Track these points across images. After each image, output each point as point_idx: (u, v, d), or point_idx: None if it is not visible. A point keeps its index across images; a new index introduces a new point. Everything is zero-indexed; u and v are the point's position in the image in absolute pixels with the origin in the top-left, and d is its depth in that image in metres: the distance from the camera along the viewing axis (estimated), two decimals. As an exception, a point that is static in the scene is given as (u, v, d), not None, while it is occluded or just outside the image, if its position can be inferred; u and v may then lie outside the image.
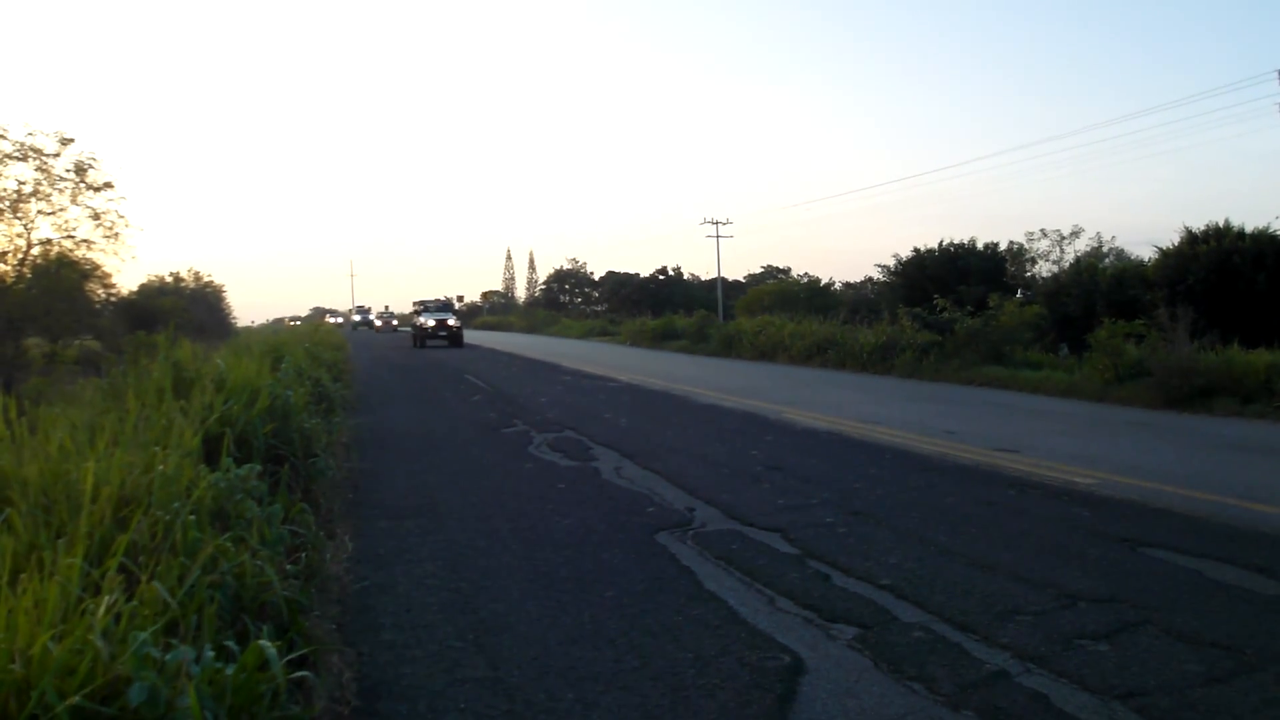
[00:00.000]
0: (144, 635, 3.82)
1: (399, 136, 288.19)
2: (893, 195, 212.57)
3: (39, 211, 32.25)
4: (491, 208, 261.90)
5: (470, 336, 62.52)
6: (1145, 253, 70.72)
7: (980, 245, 49.24)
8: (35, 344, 31.87)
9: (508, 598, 7.10)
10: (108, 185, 33.33)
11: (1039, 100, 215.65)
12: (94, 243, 33.52)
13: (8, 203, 30.49)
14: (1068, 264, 56.77)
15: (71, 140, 32.39)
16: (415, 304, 59.89)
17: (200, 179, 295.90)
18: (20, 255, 31.77)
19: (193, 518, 5.51)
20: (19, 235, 31.45)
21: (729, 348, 40.15)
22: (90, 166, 32.79)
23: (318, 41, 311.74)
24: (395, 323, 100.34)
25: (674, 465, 12.50)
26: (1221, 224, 31.97)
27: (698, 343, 44.75)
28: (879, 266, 55.06)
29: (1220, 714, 4.93)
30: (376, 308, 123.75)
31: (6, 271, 30.44)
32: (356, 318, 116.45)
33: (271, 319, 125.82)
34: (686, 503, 10.25)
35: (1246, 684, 5.32)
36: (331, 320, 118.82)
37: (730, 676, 5.50)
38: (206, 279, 69.54)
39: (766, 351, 36.69)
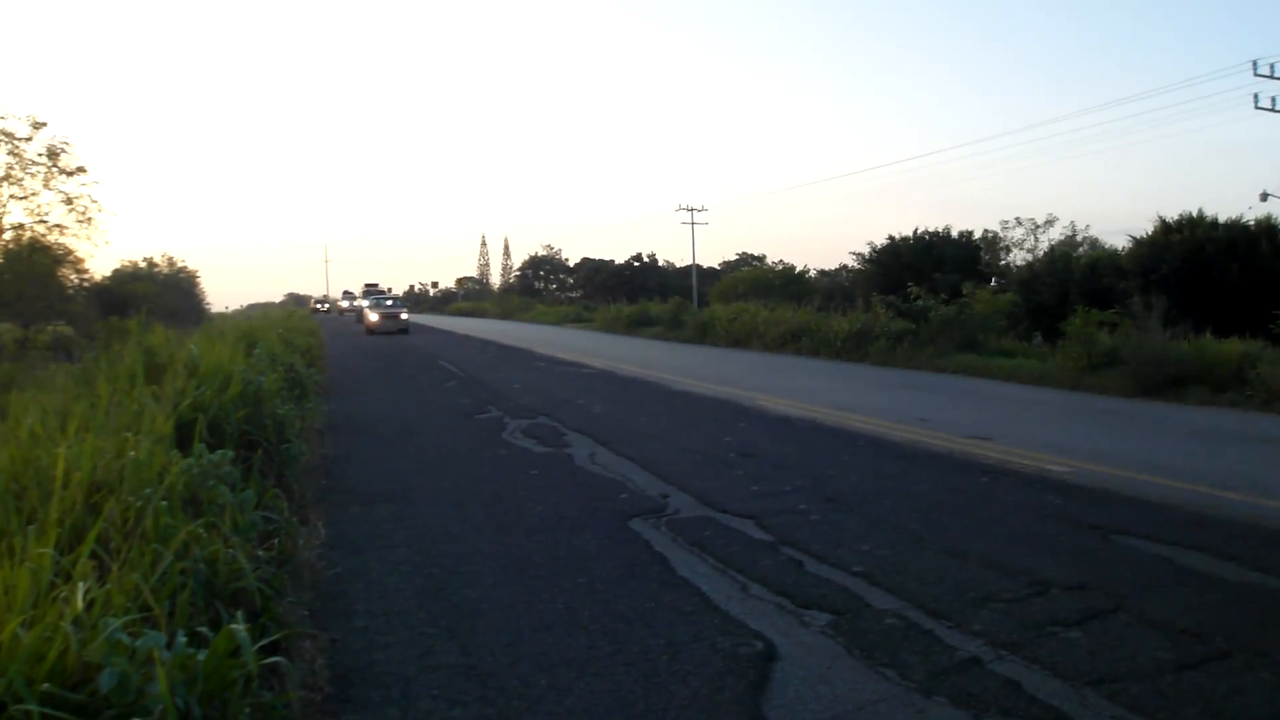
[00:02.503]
0: (116, 622, 3.80)
1: (374, 123, 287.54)
2: (868, 183, 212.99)
3: (11, 196, 32.10)
4: (467, 194, 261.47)
5: (444, 323, 62.27)
6: (1119, 242, 71.24)
7: (955, 233, 49.51)
8: (7, 329, 31.71)
9: (481, 584, 7.09)
10: (81, 170, 33.24)
11: (1014, 90, 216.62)
12: (67, 227, 33.43)
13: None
14: (1042, 252, 57.00)
15: (44, 124, 32.29)
16: None
17: (175, 164, 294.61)
18: (-9, 240, 31.57)
19: (165, 504, 5.48)
20: (-10, 220, 31.27)
21: (703, 334, 40.17)
22: (63, 151, 32.68)
23: (293, 28, 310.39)
24: (405, 315, 54.67)
25: (647, 452, 12.51)
26: (1195, 214, 32.19)
27: (672, 329, 44.74)
28: (854, 254, 55.26)
29: (1191, 701, 4.97)
30: (362, 292, 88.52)
31: (-22, 256, 30.29)
32: (364, 302, 69.99)
33: (247, 304, 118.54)
34: (660, 489, 10.25)
35: (1217, 670, 5.36)
36: (344, 304, 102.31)
37: (703, 663, 5.51)
38: (180, 264, 69.55)
39: (741, 338, 36.70)
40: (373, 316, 53.17)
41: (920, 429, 14.48)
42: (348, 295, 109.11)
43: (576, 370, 26.15)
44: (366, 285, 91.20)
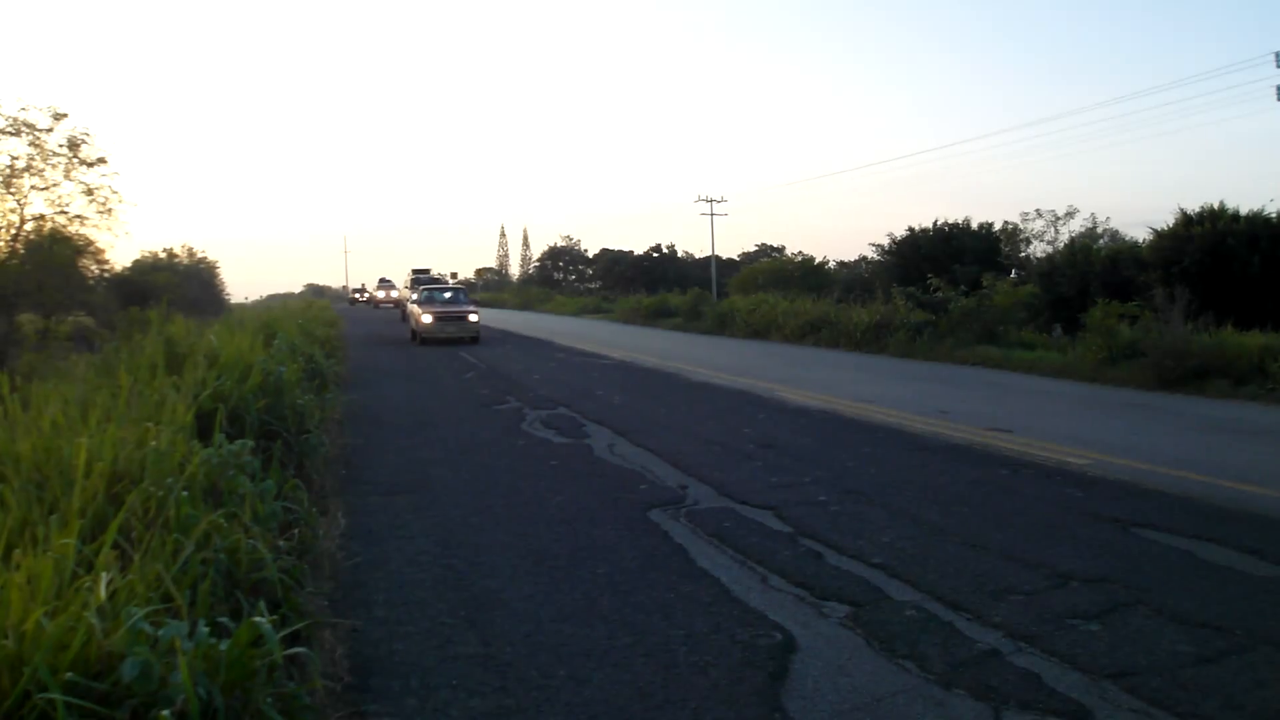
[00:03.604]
0: (138, 612, 3.82)
1: (393, 113, 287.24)
2: (887, 174, 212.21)
3: (32, 187, 32.14)
4: (486, 185, 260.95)
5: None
6: (1140, 234, 70.65)
7: (975, 225, 49.39)
8: (28, 320, 31.78)
9: (500, 574, 7.11)
10: (101, 161, 33.21)
11: (1035, 80, 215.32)
12: (87, 218, 33.42)
13: (1, 178, 30.36)
14: (1062, 244, 56.94)
15: (65, 115, 32.24)
16: None
17: (195, 155, 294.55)
18: (13, 231, 31.69)
19: (186, 494, 5.50)
20: (12, 211, 31.35)
21: (723, 326, 40.13)
22: (84, 142, 32.66)
23: (312, 19, 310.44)
24: (476, 316, 35.00)
25: (667, 443, 12.51)
26: (1216, 206, 32.03)
27: (691, 320, 44.73)
28: (873, 245, 55.15)
29: (1211, 694, 4.95)
30: (409, 281, 57.82)
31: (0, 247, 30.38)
32: (411, 295, 44.66)
33: (266, 295, 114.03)
34: (679, 480, 10.26)
35: (1237, 664, 5.35)
36: (380, 294, 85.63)
37: (722, 654, 5.52)
38: (200, 255, 69.36)
39: (760, 330, 36.67)
40: (425, 317, 33.68)
41: (940, 421, 14.45)
42: (384, 283, 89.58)
43: (595, 361, 26.16)
44: (414, 272, 59.19)
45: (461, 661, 5.48)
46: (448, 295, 37.45)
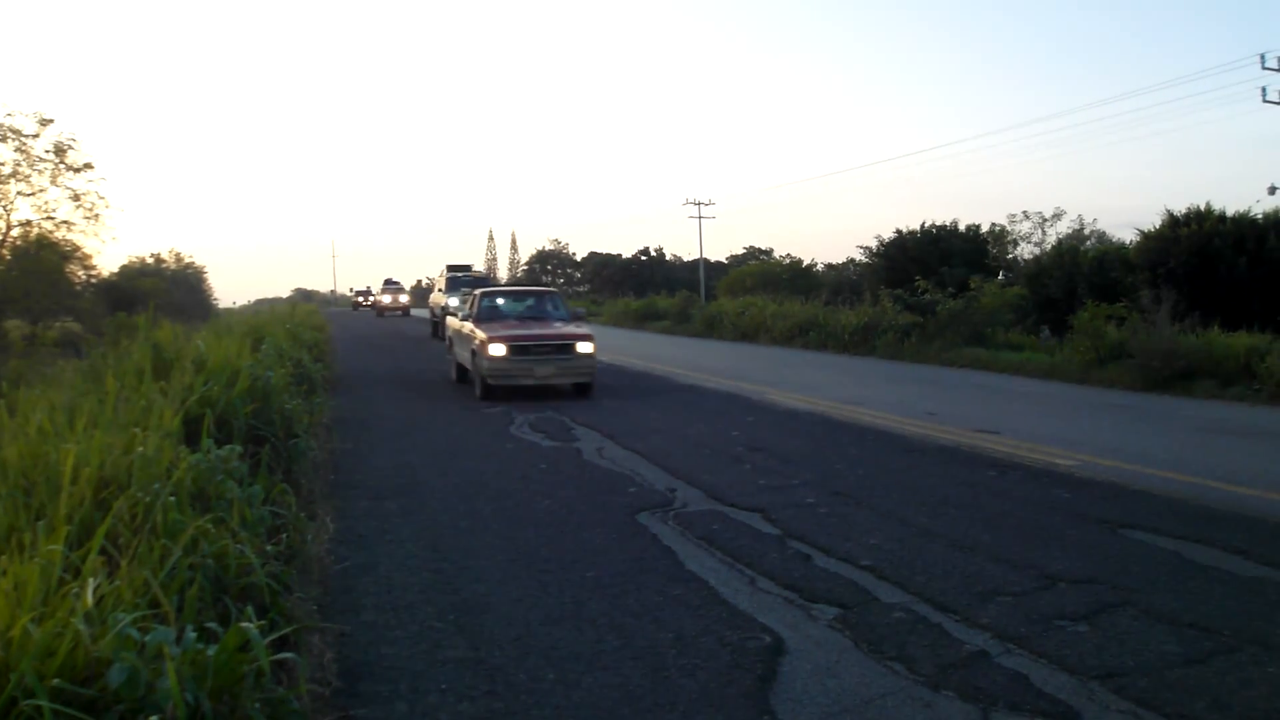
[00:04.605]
0: (125, 618, 3.81)
1: (380, 116, 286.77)
2: (875, 177, 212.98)
3: (18, 193, 32.16)
4: (473, 188, 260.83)
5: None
6: (1127, 235, 71.22)
7: (962, 227, 49.28)
8: (15, 326, 31.75)
9: (489, 578, 7.10)
10: (88, 166, 33.27)
11: (1022, 82, 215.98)
12: (74, 224, 33.48)
13: (-13, 184, 30.38)
14: (1049, 246, 57.06)
15: (51, 121, 32.30)
16: None
17: (182, 160, 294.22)
18: (0, 237, 31.65)
19: (173, 499, 5.48)
20: (-1, 217, 31.36)
21: (711, 328, 40.17)
22: (70, 147, 32.71)
23: (298, 23, 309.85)
24: (589, 345, 18.67)
25: (655, 446, 12.51)
26: (1203, 207, 32.04)
27: (680, 323, 44.78)
28: (861, 248, 55.08)
29: (1198, 695, 4.97)
30: (443, 282, 37.87)
31: (-14, 253, 30.38)
32: (448, 301, 32.25)
33: (254, 300, 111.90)
34: (668, 483, 10.26)
35: (1224, 665, 5.36)
36: (386, 299, 69.50)
37: (711, 656, 5.52)
38: (188, 260, 69.26)
39: (748, 332, 36.71)
40: (495, 346, 17.71)
41: (928, 423, 14.48)
42: (390, 285, 73.82)
43: (584, 365, 26.11)
44: (450, 269, 39.07)
45: (450, 665, 5.47)
46: (526, 305, 21.45)
